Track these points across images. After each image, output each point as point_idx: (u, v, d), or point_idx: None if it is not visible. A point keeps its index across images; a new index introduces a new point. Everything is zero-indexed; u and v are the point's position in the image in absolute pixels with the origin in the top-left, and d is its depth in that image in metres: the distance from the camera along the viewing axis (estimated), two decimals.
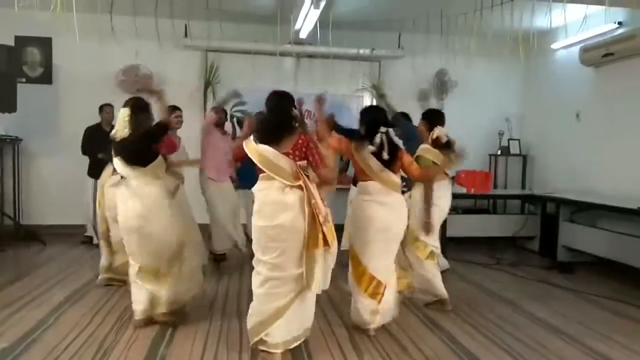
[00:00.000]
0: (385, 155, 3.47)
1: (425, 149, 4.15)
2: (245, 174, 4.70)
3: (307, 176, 3.11)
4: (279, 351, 3.10)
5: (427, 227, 4.03)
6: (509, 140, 7.59)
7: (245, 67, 6.94)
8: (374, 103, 7.28)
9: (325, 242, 2.99)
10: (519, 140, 7.65)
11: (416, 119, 4.67)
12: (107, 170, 4.51)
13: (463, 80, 7.32)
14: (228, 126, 5.97)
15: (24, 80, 6.62)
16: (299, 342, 3.18)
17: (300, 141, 3.15)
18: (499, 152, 7.58)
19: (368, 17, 6.52)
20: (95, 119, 6.15)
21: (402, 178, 3.76)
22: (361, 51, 7.16)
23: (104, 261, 4.58)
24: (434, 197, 4.04)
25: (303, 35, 6.48)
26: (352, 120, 7.35)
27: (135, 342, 3.33)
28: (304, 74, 7.22)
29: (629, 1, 5.18)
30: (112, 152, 3.55)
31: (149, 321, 3.59)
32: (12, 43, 6.41)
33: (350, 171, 7.13)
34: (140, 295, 3.57)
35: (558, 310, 4.24)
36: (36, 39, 6.74)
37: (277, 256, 3.02)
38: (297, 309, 3.10)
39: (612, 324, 3.97)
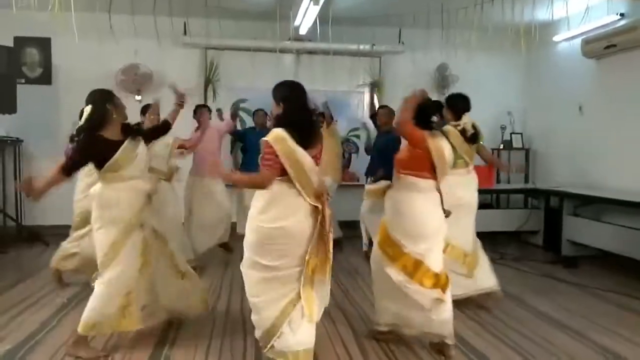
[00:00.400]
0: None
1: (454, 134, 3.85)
2: (249, 169, 4.70)
3: (329, 195, 2.86)
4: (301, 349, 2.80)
5: None
6: (511, 134, 7.56)
7: (245, 64, 6.91)
8: (375, 98, 7.25)
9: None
10: (521, 134, 7.62)
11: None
12: None
13: (464, 75, 7.28)
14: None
15: (23, 81, 6.60)
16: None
17: (320, 144, 2.87)
18: (501, 147, 7.55)
19: (368, 12, 6.48)
20: None
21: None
22: (361, 47, 7.11)
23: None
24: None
25: (303, 31, 6.45)
26: (353, 116, 7.42)
27: (138, 343, 3.32)
28: (304, 71, 7.18)
29: None
30: None
31: None
32: (11, 44, 6.39)
33: (358, 167, 7.19)
34: None
35: (562, 305, 4.23)
36: (35, 40, 6.71)
37: (276, 258, 2.73)
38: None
39: (617, 318, 3.95)
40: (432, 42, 6.56)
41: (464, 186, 3.99)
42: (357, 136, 7.50)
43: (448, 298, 3.16)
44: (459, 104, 4.01)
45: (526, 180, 7.56)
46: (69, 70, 6.79)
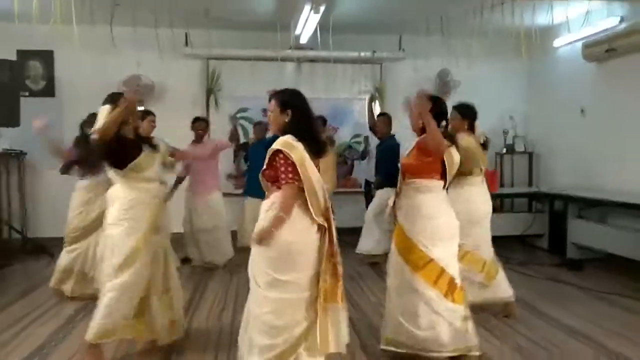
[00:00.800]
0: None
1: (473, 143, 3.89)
2: (254, 182, 4.73)
3: (333, 212, 2.66)
4: None
5: None
6: (514, 138, 7.56)
7: (247, 73, 6.94)
8: (376, 106, 7.29)
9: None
10: (524, 138, 7.62)
11: None
12: None
13: (465, 80, 7.28)
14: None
15: (27, 93, 6.64)
16: None
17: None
18: (504, 151, 7.55)
19: (368, 20, 6.51)
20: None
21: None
22: (362, 54, 7.14)
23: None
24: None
25: (303, 40, 6.48)
26: (354, 123, 7.44)
27: (146, 354, 3.32)
28: (306, 79, 7.21)
29: None
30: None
31: None
32: (14, 57, 6.44)
33: (359, 174, 7.21)
34: None
35: (569, 308, 4.22)
36: (38, 53, 6.76)
37: (296, 272, 2.54)
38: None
39: (623, 321, 3.94)
40: (432, 48, 6.59)
41: (482, 196, 4.03)
42: (359, 143, 7.52)
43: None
44: (472, 114, 4.01)
45: (530, 184, 7.56)
46: (71, 82, 6.82)
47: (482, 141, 3.97)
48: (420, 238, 3.05)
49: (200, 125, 5.59)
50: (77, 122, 6.49)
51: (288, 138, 2.55)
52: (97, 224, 4.04)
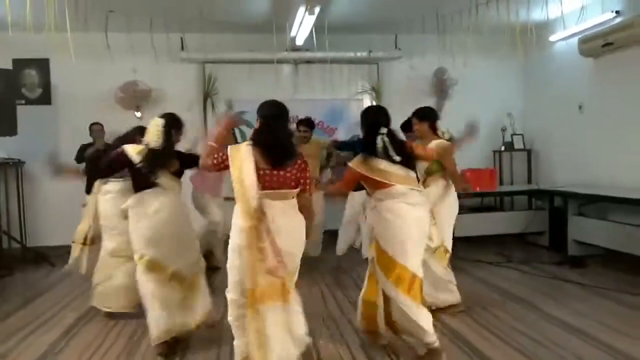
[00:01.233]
0: (396, 158, 3.16)
1: (448, 146, 3.99)
2: None
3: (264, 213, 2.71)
4: None
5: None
6: (512, 135, 7.55)
7: (243, 76, 6.95)
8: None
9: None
10: (522, 135, 7.61)
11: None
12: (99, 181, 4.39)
13: (462, 78, 7.28)
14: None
15: (23, 102, 6.63)
16: None
17: (299, 161, 2.87)
18: (502, 148, 7.54)
19: (363, 19, 6.51)
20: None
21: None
22: (358, 54, 7.13)
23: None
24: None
25: (299, 41, 6.48)
26: (352, 124, 7.42)
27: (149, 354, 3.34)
28: (303, 80, 7.22)
29: None
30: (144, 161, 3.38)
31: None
32: (9, 66, 6.43)
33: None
34: None
35: (570, 306, 4.20)
36: (33, 61, 6.75)
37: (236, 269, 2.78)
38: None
39: (626, 318, 3.92)
40: (428, 47, 6.58)
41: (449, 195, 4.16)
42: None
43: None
44: (432, 115, 4.13)
45: (529, 181, 7.54)
46: (68, 90, 6.82)
47: (447, 138, 4.05)
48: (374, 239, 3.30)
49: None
50: (74, 129, 6.49)
51: (243, 143, 2.81)
52: None
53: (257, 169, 2.71)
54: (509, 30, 4.99)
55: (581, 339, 3.51)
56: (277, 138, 2.81)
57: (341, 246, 5.57)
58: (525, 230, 6.47)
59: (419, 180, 3.47)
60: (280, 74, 7.18)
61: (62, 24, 4.32)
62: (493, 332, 3.66)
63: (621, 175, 5.88)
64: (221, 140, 2.92)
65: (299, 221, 2.85)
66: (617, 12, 5.82)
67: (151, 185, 3.35)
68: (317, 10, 5.29)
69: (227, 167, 2.77)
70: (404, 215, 3.14)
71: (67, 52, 4.44)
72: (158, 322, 3.29)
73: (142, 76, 6.83)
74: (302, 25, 5.85)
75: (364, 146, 3.27)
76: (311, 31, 6.01)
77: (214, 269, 5.03)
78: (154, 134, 3.39)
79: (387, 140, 3.17)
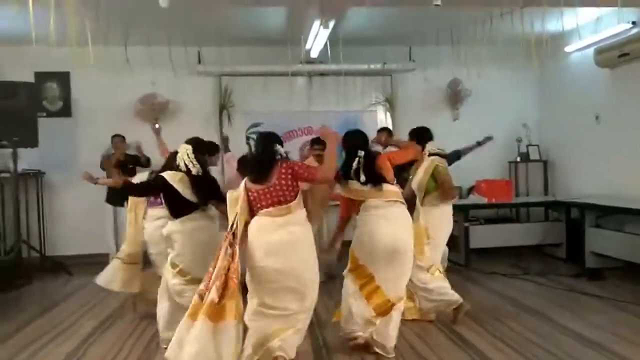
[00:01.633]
0: (363, 179, 3.45)
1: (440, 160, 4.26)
2: None
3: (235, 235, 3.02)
4: None
5: None
6: (527, 146, 7.49)
7: (259, 89, 7.02)
8: (388, 117, 7.32)
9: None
10: (537, 146, 7.55)
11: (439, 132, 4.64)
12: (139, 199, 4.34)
13: (477, 89, 7.27)
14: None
15: (44, 114, 6.77)
16: None
17: (282, 169, 3.15)
18: (518, 159, 7.49)
19: (377, 32, 6.54)
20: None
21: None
22: (372, 66, 7.17)
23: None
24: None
25: (314, 54, 6.54)
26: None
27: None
28: (317, 93, 7.27)
29: None
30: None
31: None
32: (32, 79, 6.59)
33: None
34: None
35: (588, 319, 4.14)
36: (55, 74, 6.90)
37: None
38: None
39: None
40: (443, 59, 6.58)
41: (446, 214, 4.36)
42: None
43: None
44: (424, 135, 4.36)
45: (545, 193, 7.47)
46: (88, 102, 6.95)
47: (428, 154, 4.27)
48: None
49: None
50: (92, 141, 6.63)
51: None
52: None
53: (250, 192, 3.15)
54: (523, 41, 4.99)
55: (597, 352, 3.45)
56: (255, 158, 3.35)
57: None
58: (541, 242, 6.40)
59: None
60: (295, 86, 7.24)
61: (83, 38, 4.43)
62: (507, 344, 3.62)
63: (639, 187, 5.80)
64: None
65: (304, 239, 3.16)
66: (633, 22, 5.79)
67: (193, 209, 3.50)
68: (331, 24, 5.34)
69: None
70: (375, 230, 3.38)
71: (88, 65, 4.55)
72: None
73: (161, 89, 6.94)
74: (317, 38, 5.90)
75: (343, 168, 3.55)
76: (326, 44, 6.07)
77: None
78: (185, 160, 3.52)
79: (362, 162, 3.48)
